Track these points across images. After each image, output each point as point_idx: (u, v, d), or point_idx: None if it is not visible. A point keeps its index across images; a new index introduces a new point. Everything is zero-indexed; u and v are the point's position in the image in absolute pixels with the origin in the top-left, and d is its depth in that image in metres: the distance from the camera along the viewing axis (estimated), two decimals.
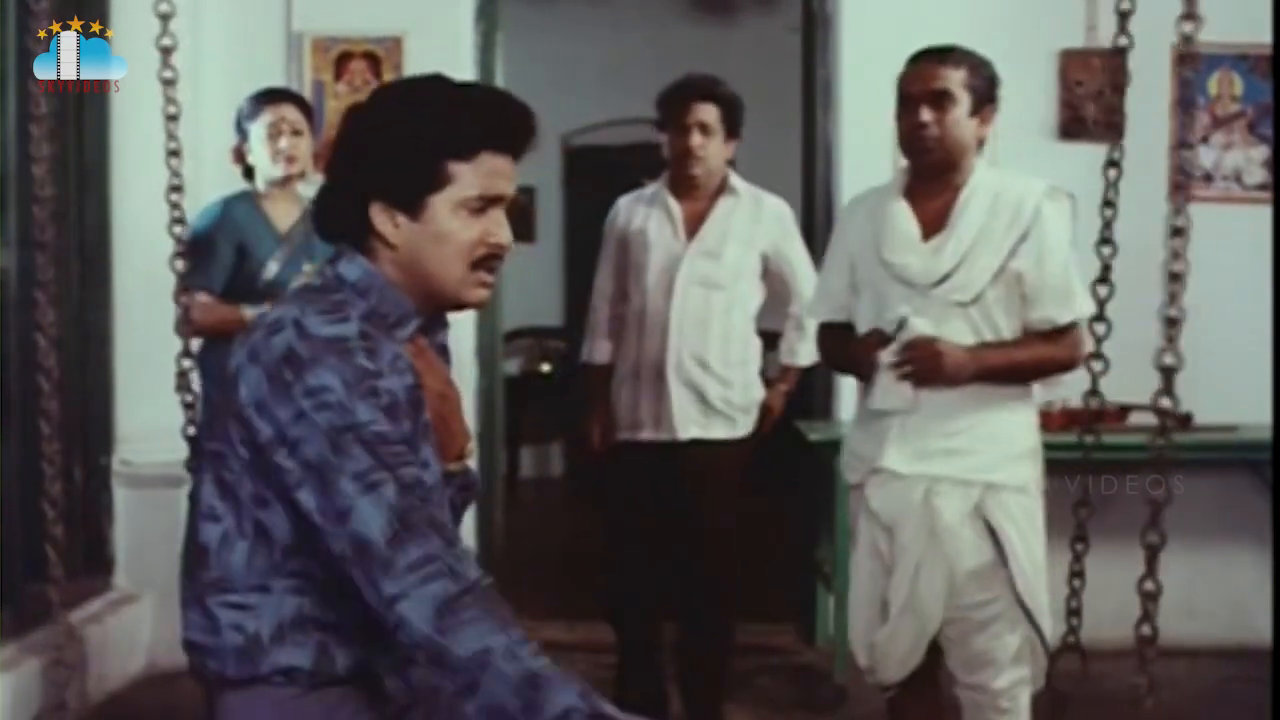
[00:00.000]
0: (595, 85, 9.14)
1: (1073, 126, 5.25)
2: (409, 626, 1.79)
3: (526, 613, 5.59)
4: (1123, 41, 2.13)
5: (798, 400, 5.47)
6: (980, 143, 3.22)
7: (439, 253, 1.96)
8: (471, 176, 1.94)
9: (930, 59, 3.20)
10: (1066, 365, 3.22)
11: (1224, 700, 4.73)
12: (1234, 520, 5.24)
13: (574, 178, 9.72)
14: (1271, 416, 4.09)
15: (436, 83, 2.01)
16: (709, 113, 4.08)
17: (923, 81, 3.18)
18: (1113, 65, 2.25)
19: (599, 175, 8.90)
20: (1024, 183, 3.23)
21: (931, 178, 3.21)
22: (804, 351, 4.25)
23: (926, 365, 3.12)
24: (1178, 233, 2.04)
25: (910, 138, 3.21)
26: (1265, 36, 4.50)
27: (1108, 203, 2.23)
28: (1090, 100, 5.23)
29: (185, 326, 3.68)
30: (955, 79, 3.15)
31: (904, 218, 3.23)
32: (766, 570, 5.03)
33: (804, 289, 4.18)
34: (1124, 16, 2.09)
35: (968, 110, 3.16)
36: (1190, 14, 2.03)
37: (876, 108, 5.43)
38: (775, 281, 4.23)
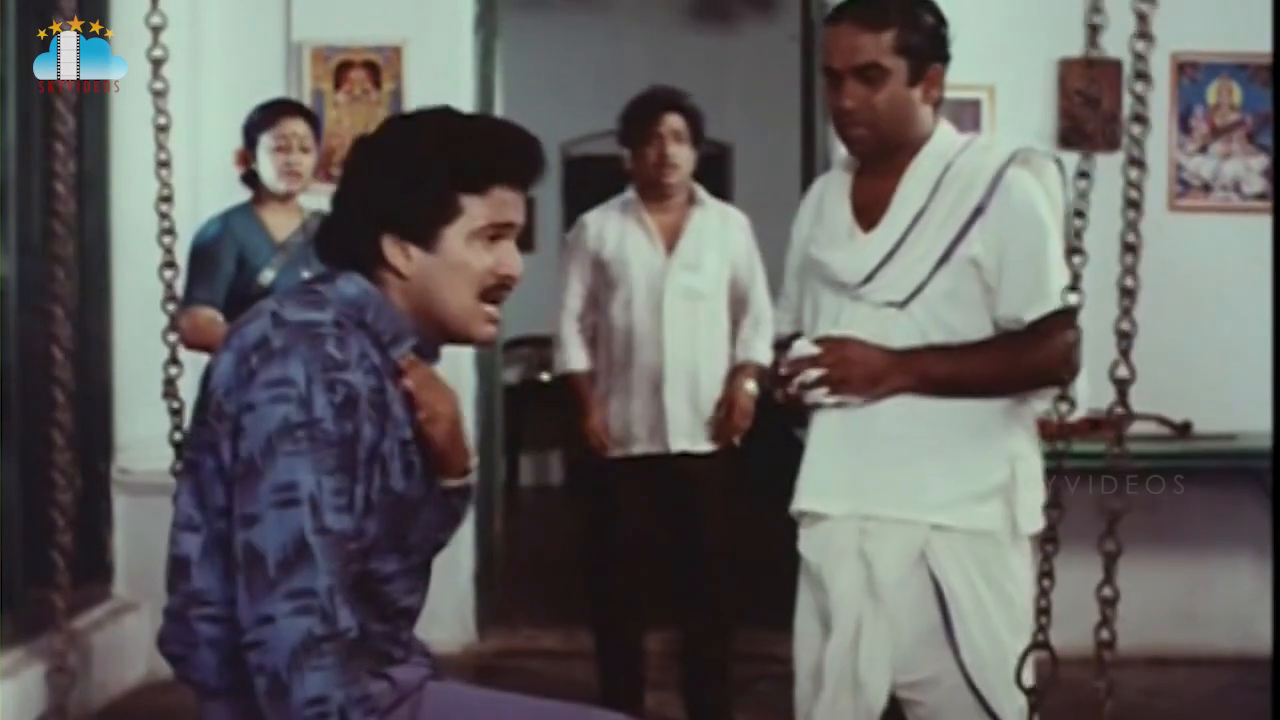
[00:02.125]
0: (595, 94, 9.12)
1: (1072, 135, 5.25)
2: (264, 651, 1.79)
3: (525, 620, 5.64)
4: (1093, 54, 2.13)
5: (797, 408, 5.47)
6: (936, 104, 2.59)
7: (451, 282, 1.97)
8: (483, 208, 1.96)
9: (847, 23, 2.52)
10: (1046, 374, 2.42)
11: (1224, 708, 4.73)
12: (1234, 528, 5.24)
13: (573, 187, 9.71)
14: (1271, 425, 4.09)
15: (447, 116, 2.03)
16: (679, 121, 4.12)
17: (842, 55, 2.52)
18: (1089, 77, 2.23)
19: (598, 184, 8.86)
20: (986, 147, 2.59)
21: (878, 159, 2.60)
22: (760, 349, 4.23)
23: (833, 375, 2.51)
24: (1129, 249, 2.05)
25: (836, 124, 2.58)
26: (1264, 45, 4.52)
27: (1078, 212, 2.19)
28: (1093, 110, 5.23)
29: (177, 335, 3.72)
30: (882, 46, 2.48)
31: (837, 205, 2.64)
32: (766, 577, 5.00)
33: (761, 296, 4.26)
34: (1094, 30, 2.09)
35: (905, 80, 2.51)
36: (1144, 33, 2.03)
37: None
38: (735, 291, 4.24)
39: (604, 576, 4.24)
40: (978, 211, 2.47)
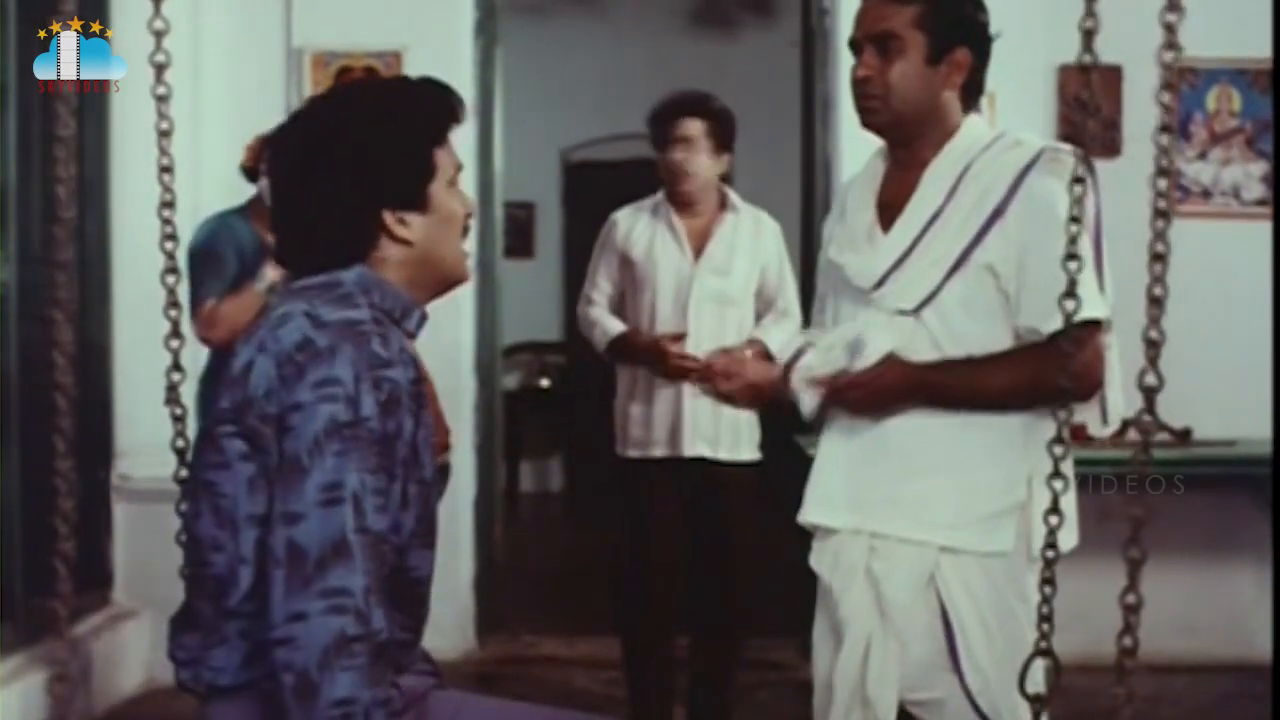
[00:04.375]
0: (595, 100, 9.16)
1: (1071, 142, 5.24)
2: (294, 648, 1.78)
3: (525, 627, 5.63)
4: (1086, 59, 2.10)
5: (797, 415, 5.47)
6: (966, 95, 2.50)
7: (446, 234, 2.06)
8: (447, 157, 2.06)
9: None
10: (1065, 389, 2.12)
11: (1224, 715, 4.73)
12: (1234, 535, 5.25)
13: (573, 193, 9.73)
14: (1271, 431, 4.09)
15: (382, 84, 2.19)
16: (693, 127, 4.08)
17: (864, 24, 2.48)
18: (1084, 83, 2.22)
19: (598, 190, 8.89)
20: (1013, 144, 2.46)
21: (898, 148, 2.52)
22: (773, 335, 4.14)
23: (841, 395, 2.46)
24: (1158, 258, 2.04)
25: (853, 95, 2.51)
26: (1264, 51, 4.53)
27: (1074, 219, 2.15)
28: (1089, 115, 5.24)
29: (204, 330, 3.77)
30: (903, 18, 2.42)
31: (861, 203, 2.56)
32: (766, 585, 5.03)
33: (790, 298, 4.24)
34: (1088, 35, 2.07)
35: (923, 57, 2.43)
36: (1171, 44, 2.03)
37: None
38: (763, 296, 4.23)
39: (631, 583, 4.20)
40: (995, 214, 2.37)
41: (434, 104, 2.05)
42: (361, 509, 1.82)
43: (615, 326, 4.19)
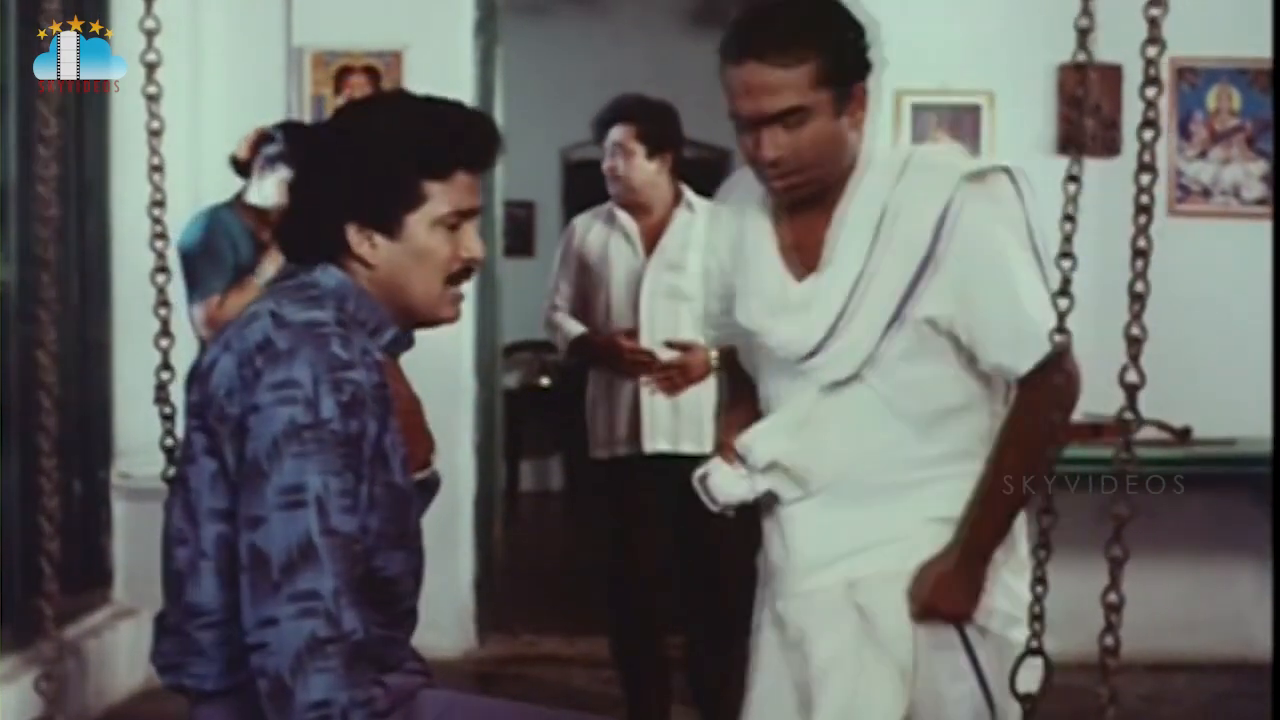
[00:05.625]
0: (595, 100, 9.04)
1: (1071, 141, 5.25)
2: (267, 653, 1.78)
3: (525, 626, 5.63)
4: (1081, 58, 2.09)
5: None
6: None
7: (418, 270, 1.98)
8: (446, 194, 1.96)
9: (753, 62, 2.12)
10: (1064, 424, 2.15)
11: (1224, 714, 4.73)
12: (1234, 533, 5.24)
13: (573, 192, 9.71)
14: (1271, 430, 4.09)
15: (406, 102, 2.05)
16: (622, 133, 4.11)
17: (754, 101, 2.13)
18: (1080, 81, 2.21)
19: (599, 189, 8.90)
20: (926, 167, 2.23)
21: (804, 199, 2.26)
22: None
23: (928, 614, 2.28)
24: (1140, 254, 2.04)
25: (758, 174, 2.23)
26: (1264, 51, 4.52)
27: (1068, 217, 2.13)
28: (1088, 115, 5.24)
29: (208, 326, 3.77)
30: (799, 84, 2.11)
31: (759, 249, 2.31)
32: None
33: None
34: (1083, 34, 2.06)
35: (831, 113, 2.15)
36: (1155, 38, 2.03)
37: (874, 123, 5.48)
38: None
39: (616, 584, 4.20)
40: (925, 263, 2.17)
41: (445, 135, 1.96)
42: (326, 511, 1.81)
43: (574, 329, 4.25)
